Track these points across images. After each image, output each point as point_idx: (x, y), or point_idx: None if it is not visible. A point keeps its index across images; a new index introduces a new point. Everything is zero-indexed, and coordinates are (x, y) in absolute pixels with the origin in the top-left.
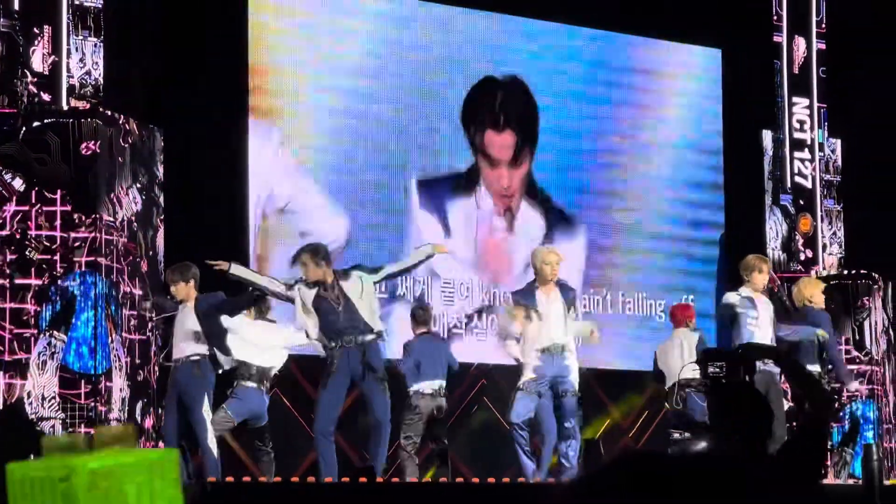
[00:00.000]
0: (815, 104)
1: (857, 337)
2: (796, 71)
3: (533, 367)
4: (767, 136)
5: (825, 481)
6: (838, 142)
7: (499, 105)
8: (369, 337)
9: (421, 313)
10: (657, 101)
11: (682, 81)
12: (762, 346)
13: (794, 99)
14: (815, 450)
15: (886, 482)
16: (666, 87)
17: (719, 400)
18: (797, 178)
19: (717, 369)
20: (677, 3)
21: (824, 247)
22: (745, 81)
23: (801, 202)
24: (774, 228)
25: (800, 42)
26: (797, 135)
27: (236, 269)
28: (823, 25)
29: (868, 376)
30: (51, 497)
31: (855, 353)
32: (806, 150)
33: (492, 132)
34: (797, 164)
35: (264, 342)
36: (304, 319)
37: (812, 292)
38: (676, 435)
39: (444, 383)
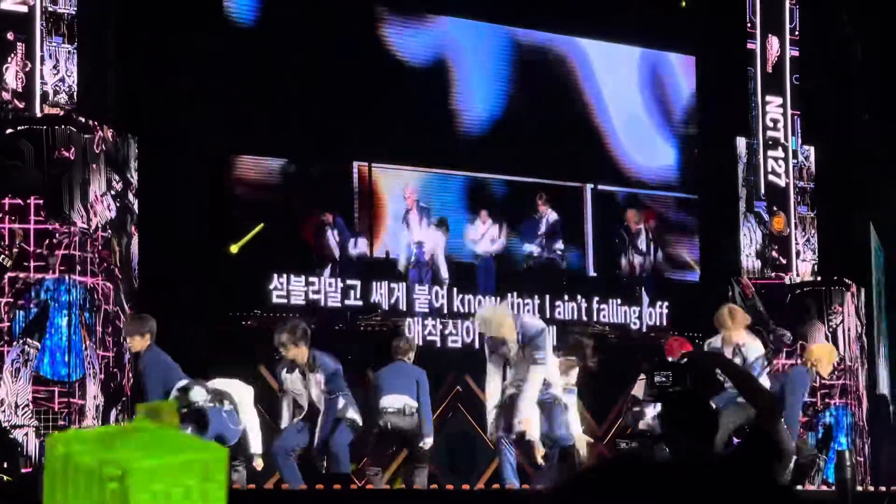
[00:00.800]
0: (789, 111)
1: (831, 343)
2: (770, 70)
3: None
4: (741, 143)
5: (800, 487)
6: (811, 149)
7: None
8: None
9: (403, 344)
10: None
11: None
12: (705, 353)
13: (768, 98)
14: (763, 450)
15: (859, 488)
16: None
17: (666, 409)
18: (771, 178)
19: (664, 378)
20: (653, 10)
21: (798, 253)
22: (719, 88)
23: (775, 208)
24: (749, 235)
25: (773, 41)
26: (770, 133)
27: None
28: (797, 32)
29: (841, 383)
30: (98, 491)
31: None
32: (780, 148)
33: None
34: (770, 163)
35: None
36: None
37: (820, 357)
38: (623, 445)
39: (410, 402)
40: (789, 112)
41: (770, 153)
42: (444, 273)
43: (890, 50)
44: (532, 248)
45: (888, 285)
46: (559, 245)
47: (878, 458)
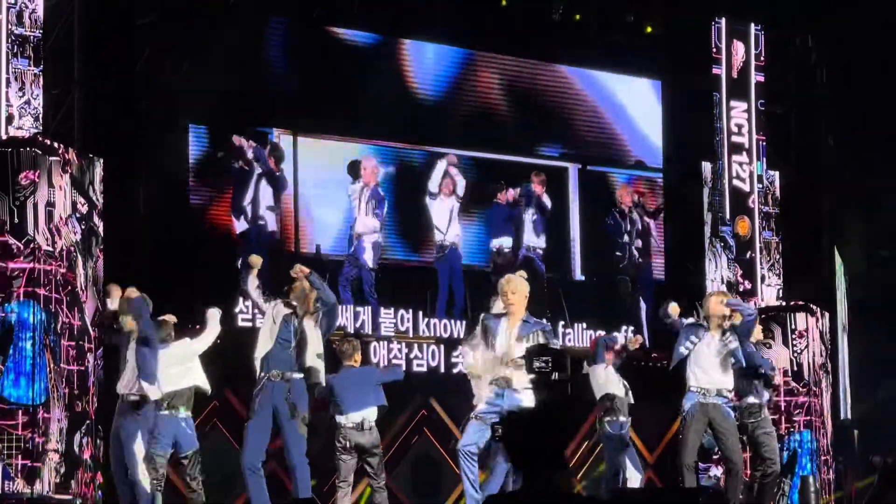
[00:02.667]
0: (755, 137)
1: (796, 368)
2: (735, 76)
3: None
4: (707, 168)
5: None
6: (776, 174)
7: None
8: (296, 375)
9: (346, 347)
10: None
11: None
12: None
13: (733, 103)
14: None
15: None
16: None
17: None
18: (735, 182)
19: (543, 364)
20: (619, 37)
21: (763, 278)
22: (684, 114)
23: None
24: (714, 260)
25: (738, 47)
26: (735, 139)
27: (251, 286)
28: (762, 59)
29: (806, 407)
30: None
31: (793, 385)
32: (744, 153)
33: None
34: (735, 167)
35: (172, 363)
36: (255, 294)
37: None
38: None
39: (368, 416)
40: (755, 137)
41: (735, 157)
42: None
43: (853, 74)
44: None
45: (852, 310)
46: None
47: (840, 483)
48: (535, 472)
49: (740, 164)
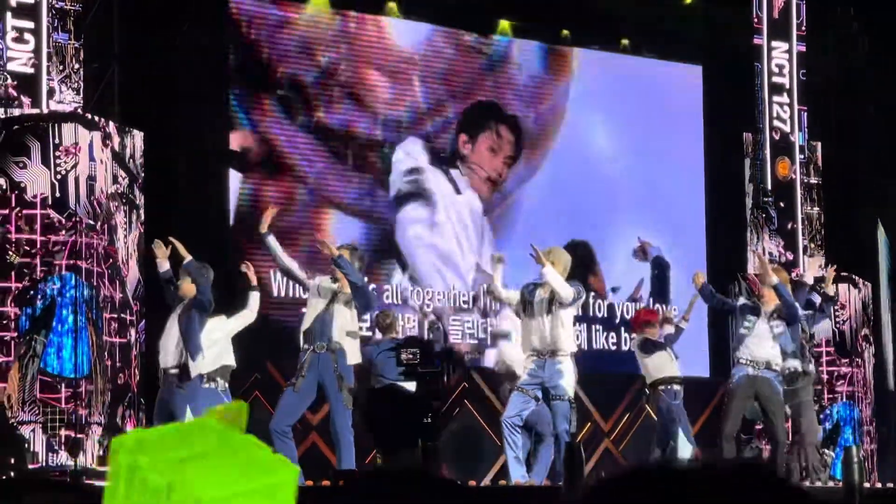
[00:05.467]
0: (796, 106)
1: (839, 339)
2: (776, 16)
3: (527, 370)
4: (748, 140)
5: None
6: (819, 144)
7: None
8: (342, 346)
9: (383, 319)
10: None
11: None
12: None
13: (773, 43)
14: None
15: (866, 485)
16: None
17: (368, 402)
18: (776, 122)
19: (411, 356)
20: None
21: (805, 249)
22: (725, 90)
23: (779, 143)
24: (755, 232)
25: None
26: (776, 79)
27: (272, 242)
28: (804, 28)
29: (849, 378)
30: None
31: (836, 355)
32: (785, 94)
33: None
34: (776, 108)
35: (213, 340)
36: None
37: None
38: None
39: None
40: (796, 107)
41: (775, 98)
42: None
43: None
44: None
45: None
46: None
47: (885, 455)
48: (391, 451)
49: (780, 76)
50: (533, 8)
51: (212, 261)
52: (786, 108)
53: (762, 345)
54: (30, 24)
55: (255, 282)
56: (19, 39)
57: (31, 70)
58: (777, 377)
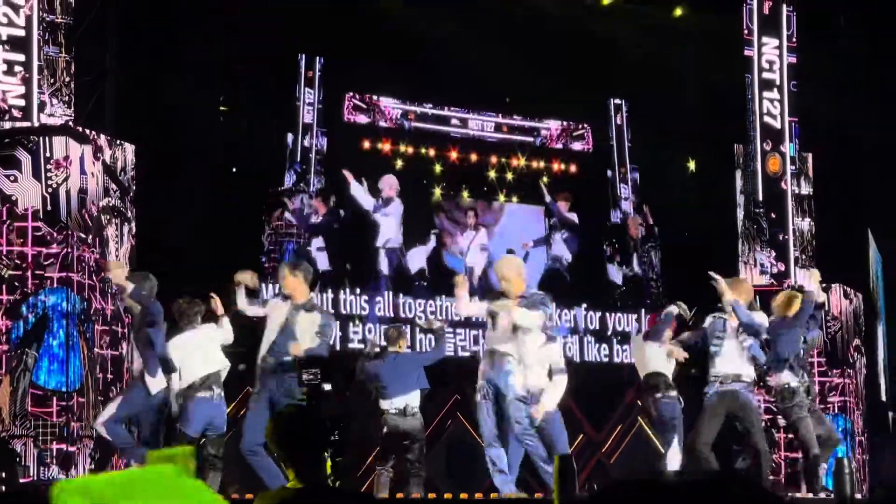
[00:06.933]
0: (787, 118)
1: (829, 349)
2: (766, 12)
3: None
4: (738, 150)
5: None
6: (809, 155)
7: None
8: (287, 359)
9: (392, 332)
10: None
11: None
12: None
13: (764, 39)
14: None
15: (857, 496)
16: None
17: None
18: (766, 119)
19: (312, 376)
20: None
21: (796, 260)
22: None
23: (768, 146)
24: (747, 242)
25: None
26: (766, 75)
27: (241, 304)
28: (794, 39)
29: (840, 389)
30: None
31: (827, 366)
32: (775, 90)
33: None
34: (766, 104)
35: (205, 347)
36: (244, 304)
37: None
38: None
39: (411, 401)
40: (787, 119)
41: (765, 94)
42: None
43: (887, 52)
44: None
45: (886, 291)
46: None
47: (876, 466)
48: (300, 465)
49: (770, 71)
50: None
51: (203, 275)
52: (777, 118)
53: (733, 361)
54: (20, 39)
55: (220, 311)
56: (9, 53)
57: (21, 83)
58: (747, 388)
